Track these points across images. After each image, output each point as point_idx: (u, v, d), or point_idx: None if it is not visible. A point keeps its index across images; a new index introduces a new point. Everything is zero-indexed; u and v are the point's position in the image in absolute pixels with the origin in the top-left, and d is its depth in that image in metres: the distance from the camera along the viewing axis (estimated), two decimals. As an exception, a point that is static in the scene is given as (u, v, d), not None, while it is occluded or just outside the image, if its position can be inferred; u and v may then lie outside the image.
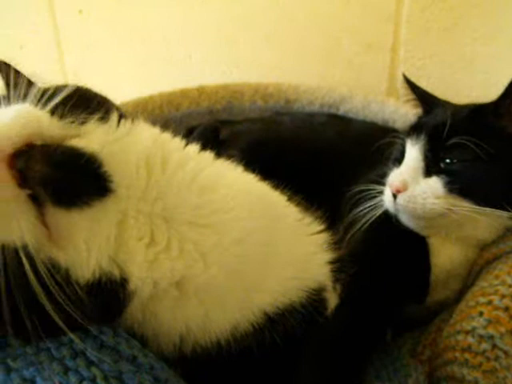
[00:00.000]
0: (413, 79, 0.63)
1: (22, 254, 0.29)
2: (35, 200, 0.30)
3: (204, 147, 0.43)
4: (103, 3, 0.90)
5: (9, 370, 0.28)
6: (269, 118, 0.79)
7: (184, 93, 0.80)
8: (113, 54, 0.95)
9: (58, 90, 0.35)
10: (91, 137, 0.33)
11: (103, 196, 0.32)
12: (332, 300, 0.44)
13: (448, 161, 0.50)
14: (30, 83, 0.38)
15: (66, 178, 0.30)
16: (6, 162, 0.29)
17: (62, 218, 0.31)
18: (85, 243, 0.32)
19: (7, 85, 0.37)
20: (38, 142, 0.30)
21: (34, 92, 0.33)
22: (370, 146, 0.65)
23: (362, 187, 0.56)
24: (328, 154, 0.68)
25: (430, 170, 0.51)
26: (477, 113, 0.52)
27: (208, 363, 0.36)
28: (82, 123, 0.34)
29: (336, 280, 0.45)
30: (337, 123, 0.76)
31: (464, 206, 0.49)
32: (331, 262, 0.44)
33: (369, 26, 0.87)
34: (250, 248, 0.38)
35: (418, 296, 0.54)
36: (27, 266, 0.28)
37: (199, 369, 0.37)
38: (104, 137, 0.34)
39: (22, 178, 0.29)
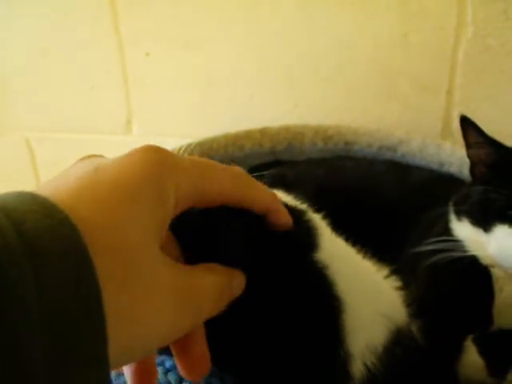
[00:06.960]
0: (467, 121, 0.61)
1: None
2: None
3: None
4: (170, 46, 0.95)
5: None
6: (331, 161, 0.81)
7: (248, 134, 0.83)
8: (177, 94, 0.99)
9: None
10: None
11: None
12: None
13: None
14: None
15: None
16: None
17: None
18: None
19: None
20: None
21: None
22: (431, 195, 0.65)
23: (432, 247, 0.56)
24: (388, 205, 0.69)
25: None
26: None
27: None
28: None
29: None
30: (396, 172, 0.77)
31: None
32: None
33: (425, 69, 0.88)
34: None
35: (482, 325, 0.55)
36: None
37: None
38: None
39: None
